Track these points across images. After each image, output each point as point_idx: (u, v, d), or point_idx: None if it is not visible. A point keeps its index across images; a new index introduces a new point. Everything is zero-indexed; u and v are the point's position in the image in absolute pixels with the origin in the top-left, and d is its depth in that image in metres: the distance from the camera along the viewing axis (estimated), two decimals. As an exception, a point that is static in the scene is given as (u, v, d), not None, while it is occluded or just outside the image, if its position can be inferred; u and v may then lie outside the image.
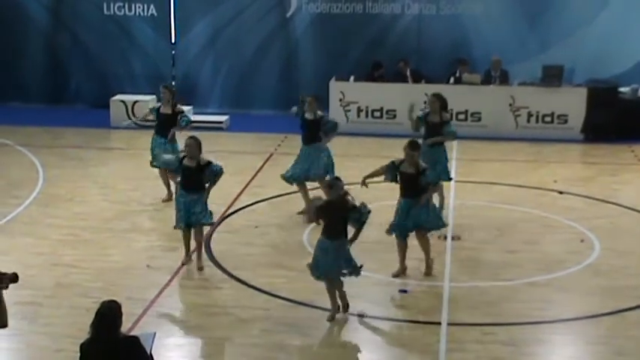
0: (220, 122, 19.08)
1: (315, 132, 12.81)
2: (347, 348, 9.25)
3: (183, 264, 11.13)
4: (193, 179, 10.85)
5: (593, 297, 10.35)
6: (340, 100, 18.63)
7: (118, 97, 19.41)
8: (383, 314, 9.92)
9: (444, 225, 11.12)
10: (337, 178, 9.60)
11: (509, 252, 11.80)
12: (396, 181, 10.70)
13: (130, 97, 19.28)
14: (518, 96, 18.22)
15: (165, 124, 13.44)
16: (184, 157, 10.92)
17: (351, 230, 9.43)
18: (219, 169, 10.87)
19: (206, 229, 11.61)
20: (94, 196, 14.10)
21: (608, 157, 16.88)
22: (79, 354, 6.34)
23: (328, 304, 9.65)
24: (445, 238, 12.13)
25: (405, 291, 10.48)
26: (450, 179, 12.96)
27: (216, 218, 12.65)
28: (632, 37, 19.10)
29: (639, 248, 11.97)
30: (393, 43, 19.75)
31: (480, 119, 18.31)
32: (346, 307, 9.68)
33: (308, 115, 12.81)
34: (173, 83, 20.05)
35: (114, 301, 6.42)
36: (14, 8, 20.66)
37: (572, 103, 18.09)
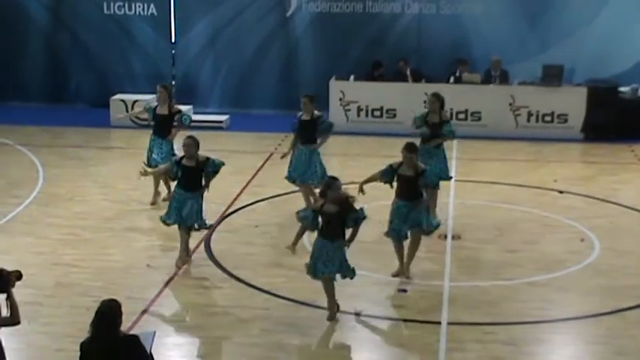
0: (220, 122, 19.09)
1: (312, 132, 12.78)
2: (347, 348, 9.25)
3: (183, 263, 11.13)
4: (193, 178, 10.86)
5: (593, 296, 10.35)
6: (340, 99, 18.64)
7: (118, 96, 19.42)
8: (383, 314, 9.92)
9: (437, 227, 11.05)
10: (334, 178, 9.45)
11: (509, 251, 11.80)
12: (392, 185, 10.66)
13: (130, 97, 19.28)
14: (518, 95, 18.22)
15: (161, 125, 13.41)
16: (183, 157, 10.93)
17: (348, 231, 9.42)
18: (220, 162, 10.92)
19: (205, 231, 11.62)
20: (94, 196, 14.10)
21: (608, 156, 16.88)
22: (79, 353, 6.35)
23: (327, 303, 9.63)
24: (445, 237, 12.13)
25: (404, 290, 10.48)
26: (449, 178, 12.95)
27: (216, 218, 12.70)
28: (632, 36, 19.11)
29: (639, 248, 11.97)
30: (393, 42, 19.75)
31: (480, 119, 18.31)
32: (337, 308, 9.69)
33: (304, 116, 12.78)
34: (173, 83, 20.10)
35: (114, 300, 6.43)
36: (14, 8, 20.67)
37: (572, 102, 18.10)
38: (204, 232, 11.72)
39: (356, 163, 15.89)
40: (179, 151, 11.90)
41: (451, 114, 16.93)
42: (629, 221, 13.11)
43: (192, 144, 10.82)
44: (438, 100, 12.55)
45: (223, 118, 19.27)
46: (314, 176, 12.63)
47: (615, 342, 9.20)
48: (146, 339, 6.48)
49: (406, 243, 10.81)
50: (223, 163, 10.98)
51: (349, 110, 18.64)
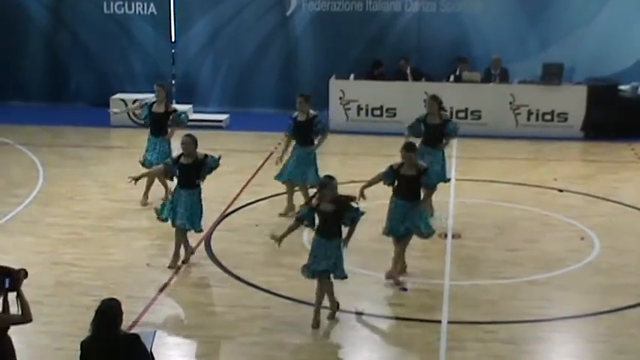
0: (220, 121, 19.09)
1: (308, 133, 12.77)
2: (347, 346, 9.25)
3: (183, 262, 11.14)
4: (190, 176, 10.89)
5: (593, 295, 10.35)
6: (340, 98, 18.63)
7: (118, 95, 19.42)
8: (383, 312, 9.93)
9: (433, 233, 11.02)
10: (331, 177, 9.34)
11: (509, 250, 11.80)
12: (393, 185, 10.64)
13: (130, 96, 19.27)
14: (518, 94, 18.22)
15: (157, 123, 13.42)
16: (180, 155, 10.94)
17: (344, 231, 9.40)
18: (218, 157, 10.95)
19: (204, 232, 11.63)
20: (94, 195, 14.10)
21: (608, 155, 16.88)
22: (79, 352, 6.35)
23: (327, 303, 9.63)
24: (445, 236, 12.14)
25: (405, 289, 10.48)
26: (447, 180, 12.90)
27: (216, 217, 12.70)
28: (632, 35, 19.10)
29: (639, 246, 11.97)
30: (393, 41, 19.75)
31: (480, 117, 18.31)
32: (337, 306, 9.69)
33: (299, 116, 12.76)
34: (173, 82, 20.09)
35: (114, 300, 6.43)
36: (14, 8, 20.67)
37: (572, 101, 18.10)
38: (204, 231, 11.72)
39: (356, 162, 15.91)
40: (177, 150, 11.89)
41: (451, 113, 16.93)
42: (629, 220, 13.11)
43: (190, 142, 10.84)
44: (436, 101, 12.54)
45: (223, 117, 19.27)
46: (314, 177, 12.63)
47: (615, 340, 9.21)
48: (146, 338, 6.49)
49: (416, 244, 10.80)
50: (219, 159, 10.99)
51: (349, 109, 18.64)
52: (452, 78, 18.53)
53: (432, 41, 19.61)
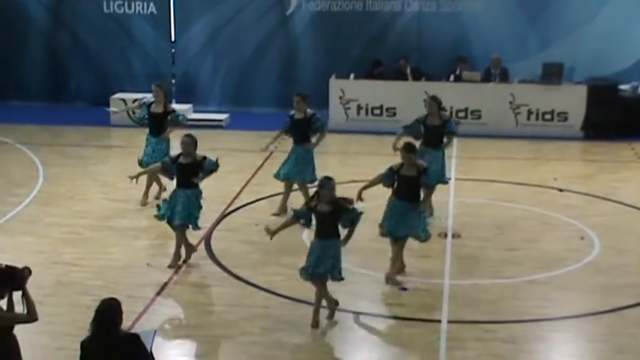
0: (220, 120, 19.09)
1: (305, 131, 12.78)
2: (346, 346, 9.25)
3: (184, 261, 11.14)
4: (188, 176, 10.88)
5: (593, 295, 10.35)
6: (340, 97, 18.64)
7: (118, 95, 19.42)
8: (383, 312, 9.93)
9: (429, 237, 11.01)
10: (329, 178, 9.32)
11: (509, 250, 11.80)
12: (393, 187, 10.63)
13: (129, 96, 19.27)
14: (518, 94, 18.22)
15: (155, 124, 13.42)
16: (179, 155, 10.94)
17: (343, 231, 9.38)
18: (216, 160, 10.93)
19: (205, 230, 11.63)
20: (94, 195, 14.10)
21: (608, 154, 16.88)
22: (79, 352, 6.35)
23: (325, 302, 9.64)
24: (445, 236, 12.14)
25: (404, 289, 10.48)
26: (445, 182, 12.89)
27: (216, 216, 12.70)
28: (632, 34, 19.10)
29: (639, 246, 11.97)
30: (393, 40, 19.75)
31: (480, 117, 18.31)
32: (336, 304, 9.69)
33: (297, 115, 12.77)
34: (173, 81, 20.09)
35: (114, 299, 6.43)
36: (14, 8, 20.66)
37: (572, 100, 18.10)
38: (204, 230, 11.72)
39: (356, 162, 15.91)
40: (176, 150, 11.89)
41: (451, 112, 16.95)
42: (629, 219, 13.11)
43: (189, 142, 10.84)
44: (435, 102, 12.54)
45: (223, 116, 19.27)
46: (312, 175, 12.64)
47: (615, 340, 9.21)
48: (146, 338, 6.49)
49: (415, 243, 10.79)
50: (218, 165, 10.97)
51: (349, 109, 18.64)
52: (452, 78, 18.53)
53: (432, 41, 19.61)
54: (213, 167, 10.93)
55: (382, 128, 17.93)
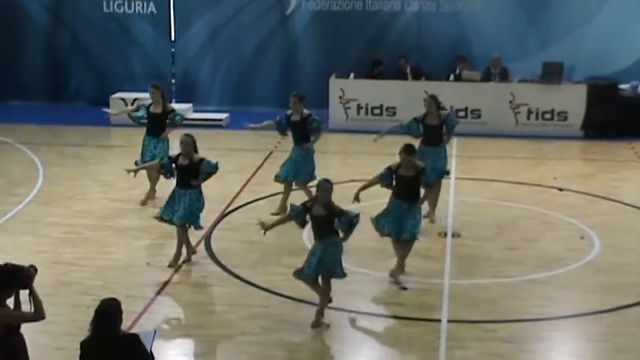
0: (220, 120, 19.10)
1: (303, 132, 12.77)
2: (346, 346, 9.25)
3: (183, 261, 11.14)
4: (186, 176, 10.88)
5: (593, 294, 10.35)
6: (340, 97, 18.64)
7: (118, 95, 19.42)
8: (383, 312, 9.93)
9: (415, 238, 10.84)
10: (327, 180, 9.29)
11: (509, 249, 11.80)
12: (391, 187, 10.62)
13: (129, 95, 19.27)
14: (518, 93, 18.22)
15: (154, 124, 13.42)
16: (178, 155, 10.94)
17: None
18: (215, 163, 10.91)
19: (205, 230, 11.63)
20: (94, 194, 14.10)
21: (607, 154, 16.88)
22: (79, 351, 6.35)
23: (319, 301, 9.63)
24: (445, 235, 12.14)
25: (405, 288, 10.48)
26: (446, 172, 12.84)
27: (216, 216, 12.70)
28: (632, 34, 19.10)
29: (639, 245, 11.97)
30: (393, 40, 19.75)
31: (479, 116, 18.31)
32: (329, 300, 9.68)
33: (293, 116, 12.76)
34: (173, 81, 20.09)
35: (114, 299, 6.43)
36: (14, 8, 20.67)
37: (572, 100, 18.10)
38: (204, 230, 11.72)
39: (356, 161, 15.91)
40: (175, 150, 11.89)
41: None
42: (629, 219, 13.11)
43: (189, 142, 10.83)
44: (434, 101, 12.54)
45: (223, 116, 19.28)
46: (311, 175, 12.65)
47: (615, 339, 9.21)
48: (146, 338, 6.48)
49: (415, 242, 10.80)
50: (217, 167, 10.96)
51: (349, 108, 18.64)
52: (452, 77, 18.53)
53: (431, 40, 19.61)
54: (212, 170, 10.90)
55: (382, 128, 17.88)
